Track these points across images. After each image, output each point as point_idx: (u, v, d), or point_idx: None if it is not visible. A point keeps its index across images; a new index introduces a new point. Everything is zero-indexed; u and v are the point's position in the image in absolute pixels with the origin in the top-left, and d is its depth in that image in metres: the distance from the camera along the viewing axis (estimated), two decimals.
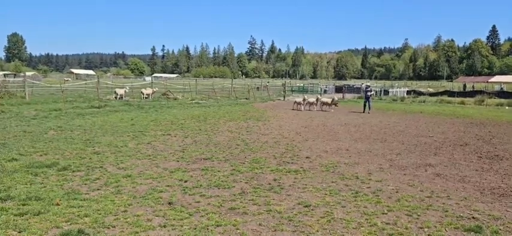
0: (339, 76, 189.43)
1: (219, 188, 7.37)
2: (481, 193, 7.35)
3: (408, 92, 48.22)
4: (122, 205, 6.26)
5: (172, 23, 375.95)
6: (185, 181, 7.80)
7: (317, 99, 26.85)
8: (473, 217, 6.01)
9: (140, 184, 7.54)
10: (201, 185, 7.53)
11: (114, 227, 5.40)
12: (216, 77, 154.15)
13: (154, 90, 35.40)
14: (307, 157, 10.43)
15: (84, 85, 46.58)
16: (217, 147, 11.76)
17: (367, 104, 24.89)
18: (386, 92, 49.14)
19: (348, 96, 43.14)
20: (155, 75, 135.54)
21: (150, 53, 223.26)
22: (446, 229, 5.54)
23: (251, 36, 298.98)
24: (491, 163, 10.05)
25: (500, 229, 5.53)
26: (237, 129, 15.72)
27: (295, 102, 26.98)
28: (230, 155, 10.55)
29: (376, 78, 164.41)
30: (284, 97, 39.41)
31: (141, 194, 6.87)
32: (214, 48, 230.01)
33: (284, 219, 5.84)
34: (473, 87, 59.01)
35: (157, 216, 5.87)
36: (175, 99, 32.70)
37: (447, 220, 5.89)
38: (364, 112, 24.37)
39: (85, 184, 7.46)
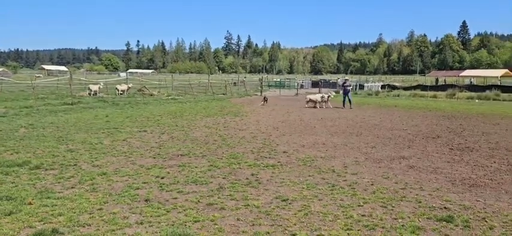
0: (315, 71, 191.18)
1: (196, 184, 7.34)
2: (452, 184, 7.57)
3: (383, 86, 49.07)
4: (97, 203, 6.16)
5: (147, 18, 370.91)
6: (162, 178, 7.74)
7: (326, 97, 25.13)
8: (445, 207, 6.19)
9: (116, 182, 7.43)
10: (178, 182, 7.48)
11: (90, 225, 5.31)
12: (192, 73, 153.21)
13: (130, 86, 34.89)
14: (284, 152, 10.50)
15: (56, 81, 45.41)
16: (194, 142, 11.70)
17: (346, 99, 24.43)
18: (361, 86, 49.84)
19: (324, 90, 43.55)
20: (130, 70, 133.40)
21: (125, 48, 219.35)
22: (420, 219, 5.69)
23: (227, 31, 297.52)
24: (462, 154, 10.35)
25: (470, 218, 5.72)
26: (214, 125, 15.67)
27: (311, 100, 24.90)
28: (207, 151, 10.52)
29: (351, 72, 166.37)
30: (261, 92, 39.48)
31: (117, 192, 6.77)
32: (191, 44, 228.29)
33: (262, 213, 5.87)
34: (445, 81, 60.51)
35: (134, 213, 5.80)
36: (151, 95, 32.31)
37: (420, 210, 6.05)
38: (344, 107, 24.03)
39: (59, 182, 7.30)
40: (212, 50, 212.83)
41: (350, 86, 26.63)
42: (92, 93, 30.51)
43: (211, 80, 47.62)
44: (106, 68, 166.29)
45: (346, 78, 36.11)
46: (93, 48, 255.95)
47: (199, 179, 7.64)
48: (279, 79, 67.93)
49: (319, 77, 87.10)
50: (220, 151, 10.53)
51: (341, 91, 26.68)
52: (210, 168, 8.64)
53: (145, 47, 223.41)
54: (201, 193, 6.79)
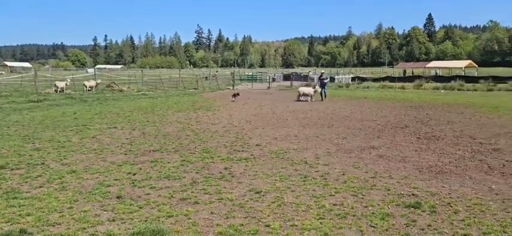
0: (287, 64, 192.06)
1: (169, 180, 7.29)
2: (419, 172, 7.82)
3: (353, 79, 49.86)
4: (67, 202, 6.03)
5: (114, 12, 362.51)
6: (134, 174, 7.64)
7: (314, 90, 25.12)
8: (413, 194, 6.40)
9: (86, 179, 7.28)
10: (150, 178, 7.41)
11: (60, 224, 5.20)
12: (162, 67, 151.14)
13: (98, 82, 34.08)
14: (257, 145, 10.55)
15: (20, 78, 43.83)
16: (166, 138, 11.59)
17: (322, 91, 24.65)
18: (332, 79, 50.42)
19: (296, 83, 43.89)
20: (98, 66, 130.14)
21: (92, 43, 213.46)
22: (389, 206, 5.87)
23: (198, 25, 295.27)
24: (429, 143, 10.70)
25: (437, 204, 5.94)
26: (186, 120, 15.55)
27: (304, 93, 24.58)
28: (180, 146, 10.44)
29: (322, 65, 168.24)
30: (233, 86, 39.40)
31: (87, 190, 6.65)
32: (160, 38, 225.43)
33: (236, 206, 5.90)
34: (412, 72, 62.15)
35: (105, 211, 5.71)
36: (121, 91, 31.70)
37: (389, 198, 6.23)
38: (322, 100, 24.16)
39: (26, 182, 7.09)
40: (183, 44, 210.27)
41: (327, 79, 26.87)
42: (59, 90, 29.63)
43: (182, 75, 47.12)
44: (73, 64, 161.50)
45: (323, 71, 36.18)
46: (59, 43, 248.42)
47: (172, 175, 7.59)
48: (251, 73, 67.88)
49: (290, 70, 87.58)
50: (192, 145, 10.48)
51: (318, 84, 26.86)
52: (182, 163, 8.60)
53: (114, 41, 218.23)
54: (174, 188, 6.75)
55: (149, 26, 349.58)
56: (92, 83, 32.48)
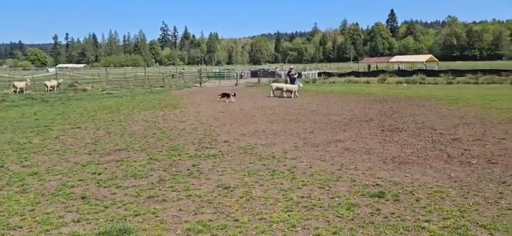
0: (254, 61, 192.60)
1: (136, 179, 7.18)
2: (384, 163, 8.05)
3: (319, 74, 50.58)
4: (28, 204, 5.83)
5: (76, 10, 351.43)
6: (99, 174, 7.47)
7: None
8: (377, 184, 6.59)
9: (49, 181, 7.06)
10: (116, 177, 7.26)
11: (21, 227, 5.03)
12: (127, 66, 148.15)
13: (60, 81, 33.01)
14: (225, 141, 10.54)
15: None
16: (132, 137, 11.38)
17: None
18: (299, 75, 50.93)
19: (264, 80, 44.07)
20: (60, 65, 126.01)
21: (52, 42, 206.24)
22: (354, 196, 6.02)
23: (163, 22, 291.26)
24: (392, 135, 11.02)
25: (400, 193, 6.14)
26: (152, 118, 15.33)
27: (277, 88, 24.48)
28: (146, 144, 10.29)
29: (289, 61, 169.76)
30: (200, 83, 39.14)
31: (50, 192, 6.44)
32: (125, 36, 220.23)
33: (204, 202, 5.89)
34: (376, 67, 63.60)
35: (69, 212, 5.57)
36: (84, 91, 30.83)
37: (355, 188, 6.39)
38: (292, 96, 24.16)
39: None
40: (148, 42, 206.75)
41: (295, 75, 27.06)
42: (18, 90, 28.48)
43: (148, 73, 46.36)
44: (32, 64, 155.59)
45: (291, 66, 36.24)
46: (17, 42, 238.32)
47: (139, 173, 7.48)
48: (218, 70, 67.62)
49: (258, 67, 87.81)
50: (159, 144, 10.35)
51: (287, 79, 27.01)
52: (149, 161, 8.48)
53: (75, 40, 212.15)
54: (141, 187, 6.66)
55: (113, 23, 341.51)
56: (54, 83, 31.42)
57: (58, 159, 8.79)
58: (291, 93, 23.70)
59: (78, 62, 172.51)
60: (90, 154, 9.25)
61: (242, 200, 5.95)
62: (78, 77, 47.60)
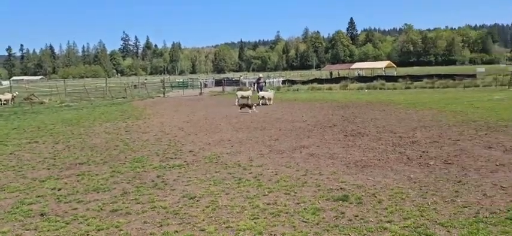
0: (218, 69, 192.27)
1: (98, 192, 6.98)
2: (347, 167, 8.23)
3: (283, 82, 51.16)
4: None
5: (31, 20, 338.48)
6: (59, 190, 7.21)
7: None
8: (341, 188, 6.73)
9: (4, 199, 6.74)
10: (77, 192, 7.04)
11: None
12: (87, 77, 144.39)
13: (15, 94, 31.70)
14: (190, 151, 10.45)
15: None
16: (93, 150, 11.06)
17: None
18: (264, 83, 51.34)
19: (228, 88, 44.06)
20: (15, 78, 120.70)
21: (6, 53, 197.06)
22: (319, 201, 6.12)
23: (124, 32, 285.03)
24: (355, 139, 11.30)
25: (363, 195, 6.30)
26: (115, 130, 14.97)
27: (243, 96, 24.21)
28: (109, 157, 10.03)
29: (253, 70, 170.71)
30: (164, 93, 38.62)
31: (6, 210, 6.16)
32: (84, 46, 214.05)
33: (169, 213, 5.80)
34: (338, 74, 65.06)
35: (27, 230, 5.34)
36: (42, 104, 29.70)
37: (320, 193, 6.50)
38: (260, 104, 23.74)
39: None
40: (108, 53, 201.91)
41: (263, 83, 27.09)
42: None
43: (109, 84, 45.30)
44: None
45: (260, 75, 36.21)
46: None
47: (101, 187, 7.28)
48: (181, 80, 66.99)
49: (222, 76, 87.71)
50: (122, 156, 10.12)
51: (255, 87, 27.03)
52: (112, 174, 8.27)
53: (31, 51, 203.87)
54: (104, 201, 6.48)
55: (71, 33, 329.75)
56: (8, 96, 30.13)
57: (14, 175, 8.41)
58: (267, 99, 23.66)
59: (35, 74, 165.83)
60: (49, 169, 8.91)
61: (208, 209, 5.92)
62: (35, 90, 45.81)
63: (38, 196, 6.83)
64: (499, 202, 5.80)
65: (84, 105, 27.80)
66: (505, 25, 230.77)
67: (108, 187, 7.25)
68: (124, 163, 9.21)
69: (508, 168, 7.64)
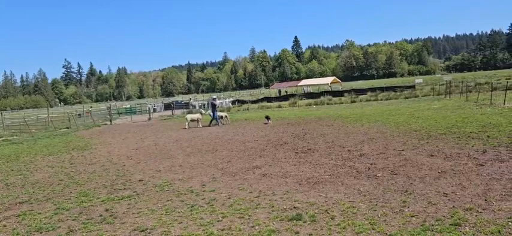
0: (167, 93, 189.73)
1: (41, 233, 6.56)
2: (299, 185, 8.32)
3: (233, 102, 51.35)
4: None
5: None
6: None
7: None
8: (294, 207, 6.77)
9: None
10: (18, 234, 6.56)
11: None
12: (27, 108, 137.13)
13: None
14: (140, 180, 10.12)
15: None
16: (35, 186, 10.42)
17: (215, 116, 24.45)
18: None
19: (178, 112, 43.45)
20: None
21: None
22: (273, 222, 6.11)
23: (65, 59, 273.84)
24: (306, 156, 11.48)
25: (316, 213, 6.38)
26: (58, 163, 14.21)
27: (192, 119, 24.55)
28: (52, 193, 9.48)
29: (202, 91, 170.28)
30: (111, 121, 37.38)
31: None
32: (22, 76, 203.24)
33: None
34: (286, 91, 66.41)
35: None
36: None
37: (274, 214, 6.50)
38: (217, 124, 24.09)
39: None
40: (50, 81, 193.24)
41: (218, 105, 26.87)
42: None
43: (52, 114, 43.18)
44: None
45: (214, 96, 35.55)
46: None
47: (45, 226, 6.85)
48: (129, 106, 65.26)
49: (171, 99, 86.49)
50: (67, 191, 9.60)
51: (209, 111, 26.75)
52: (56, 211, 7.81)
53: None
54: None
55: (6, 63, 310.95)
56: None
57: None
58: (198, 121, 24.10)
59: None
60: None
61: None
62: None
63: None
64: (443, 208, 6.09)
65: (25, 138, 26.20)
66: (437, 38, 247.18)
67: (52, 226, 6.83)
68: (69, 199, 8.74)
69: (449, 174, 8.07)
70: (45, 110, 61.66)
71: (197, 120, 24.42)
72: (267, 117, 23.66)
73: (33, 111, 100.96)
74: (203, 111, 27.14)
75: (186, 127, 23.86)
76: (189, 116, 25.34)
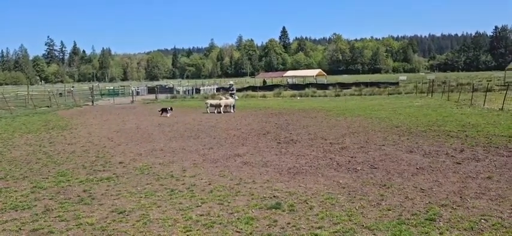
0: (151, 77, 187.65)
1: (16, 210, 6.45)
2: (280, 174, 8.37)
3: (218, 89, 51.14)
4: None
5: None
6: None
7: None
8: (274, 196, 6.81)
9: None
10: None
11: None
12: (7, 84, 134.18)
13: None
14: (120, 163, 10.03)
15: None
16: (12, 164, 10.23)
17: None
18: (198, 90, 51.00)
19: (161, 96, 43.08)
20: None
21: None
22: (253, 210, 6.14)
23: (48, 37, 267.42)
24: (288, 147, 11.54)
25: (295, 202, 6.43)
26: (37, 142, 13.97)
27: (211, 104, 23.54)
28: (29, 171, 9.33)
29: (187, 77, 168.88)
30: (93, 102, 36.85)
31: None
32: (2, 51, 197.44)
33: (97, 230, 5.50)
34: (272, 81, 66.38)
35: None
36: None
37: (253, 202, 6.53)
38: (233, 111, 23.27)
39: None
40: (31, 58, 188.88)
41: (234, 91, 25.98)
42: None
43: (32, 92, 42.33)
44: None
45: (231, 82, 34.05)
46: None
47: (20, 204, 6.73)
48: (112, 87, 64.38)
49: (155, 83, 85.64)
50: (45, 170, 9.46)
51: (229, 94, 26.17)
52: (33, 189, 7.69)
53: None
54: (23, 220, 6.00)
55: None
56: None
57: None
58: (219, 107, 23.09)
59: None
60: None
61: (139, 224, 5.69)
62: None
63: None
64: (419, 203, 6.21)
65: (3, 115, 25.64)
66: (423, 36, 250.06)
67: (28, 205, 6.73)
68: (47, 178, 8.61)
69: (427, 170, 8.22)
70: (25, 87, 60.37)
71: (222, 106, 23.01)
72: (164, 109, 22.31)
73: (12, 88, 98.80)
74: (236, 97, 25.86)
75: (208, 112, 23.19)
76: (209, 101, 24.42)
